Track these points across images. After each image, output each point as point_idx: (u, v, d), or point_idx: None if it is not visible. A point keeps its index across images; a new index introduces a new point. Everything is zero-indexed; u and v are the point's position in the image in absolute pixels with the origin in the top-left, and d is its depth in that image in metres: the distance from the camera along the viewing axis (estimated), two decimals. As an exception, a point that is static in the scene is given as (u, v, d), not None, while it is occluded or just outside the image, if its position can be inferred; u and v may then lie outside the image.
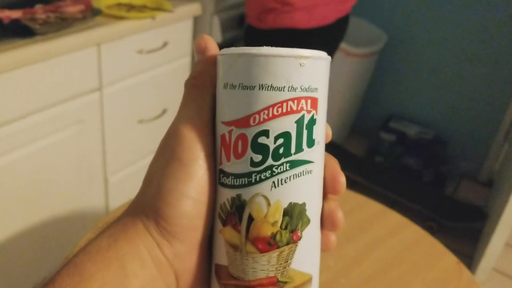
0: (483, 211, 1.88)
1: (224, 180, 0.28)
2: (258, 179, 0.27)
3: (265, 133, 0.27)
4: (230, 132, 0.28)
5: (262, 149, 0.27)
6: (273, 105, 0.27)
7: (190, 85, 0.30)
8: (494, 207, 1.73)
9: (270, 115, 0.27)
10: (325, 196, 0.30)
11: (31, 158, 1.14)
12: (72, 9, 1.16)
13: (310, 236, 0.28)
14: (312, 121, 0.28)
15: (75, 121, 1.21)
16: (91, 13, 1.20)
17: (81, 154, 1.26)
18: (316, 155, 0.28)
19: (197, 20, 1.48)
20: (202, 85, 0.30)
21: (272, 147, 0.27)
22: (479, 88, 1.97)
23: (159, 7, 1.34)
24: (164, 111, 1.46)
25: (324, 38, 1.34)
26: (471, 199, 1.99)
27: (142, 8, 1.33)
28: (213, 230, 0.30)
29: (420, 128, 2.08)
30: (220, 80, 0.29)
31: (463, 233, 1.81)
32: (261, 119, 0.27)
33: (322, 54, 0.28)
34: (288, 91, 0.27)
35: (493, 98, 1.96)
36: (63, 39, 1.10)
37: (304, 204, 0.28)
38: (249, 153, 0.27)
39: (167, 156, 0.28)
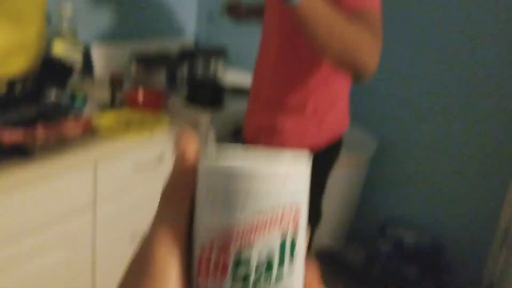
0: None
1: None
2: None
3: (248, 257, 0.25)
4: (208, 254, 0.25)
5: (243, 278, 0.25)
6: (256, 225, 0.25)
7: (165, 197, 0.28)
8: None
9: (253, 236, 0.25)
10: None
11: (20, 280, 1.10)
12: (72, 129, 1.19)
13: None
14: (296, 237, 0.26)
15: (67, 241, 1.18)
16: (91, 132, 1.23)
17: (71, 276, 1.22)
18: (297, 275, 0.26)
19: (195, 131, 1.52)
20: (178, 198, 0.27)
21: (253, 276, 0.25)
22: (473, 191, 1.99)
23: (157, 123, 1.38)
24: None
25: (317, 160, 1.35)
26: (474, 309, 1.91)
27: (140, 124, 1.37)
28: None
29: (417, 232, 2.06)
30: (201, 193, 0.27)
31: None
32: (244, 239, 0.25)
33: (304, 166, 0.27)
34: (273, 209, 0.25)
35: (487, 201, 1.97)
36: (60, 160, 1.11)
37: None
38: (228, 281, 0.25)
39: (136, 277, 0.26)
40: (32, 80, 1.34)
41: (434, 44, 1.94)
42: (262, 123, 1.28)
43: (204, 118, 1.52)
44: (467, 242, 2.03)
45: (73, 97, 1.32)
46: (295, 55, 1.18)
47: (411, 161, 2.10)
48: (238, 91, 1.83)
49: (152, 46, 1.95)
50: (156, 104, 1.51)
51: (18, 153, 1.09)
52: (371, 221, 2.20)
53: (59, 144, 1.14)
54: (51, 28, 1.49)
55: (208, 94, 1.67)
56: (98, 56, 1.77)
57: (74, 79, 1.41)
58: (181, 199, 0.27)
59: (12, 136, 1.11)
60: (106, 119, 1.33)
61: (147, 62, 1.76)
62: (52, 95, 1.29)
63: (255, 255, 0.25)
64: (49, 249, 1.14)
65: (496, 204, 1.95)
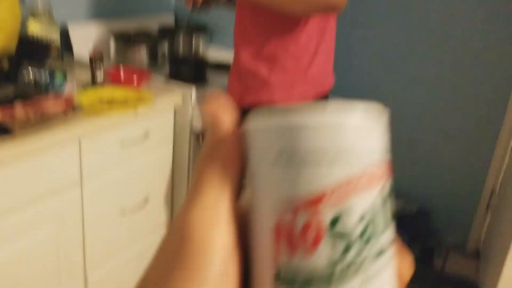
0: (473, 284, 1.84)
1: (286, 285, 0.21)
2: (341, 277, 0.20)
3: (347, 212, 0.21)
4: (292, 217, 0.21)
5: (344, 234, 0.21)
6: (353, 177, 0.21)
7: (203, 164, 0.23)
8: (486, 280, 1.70)
9: (351, 189, 0.21)
10: None
11: (9, 258, 1.08)
12: (53, 107, 1.17)
13: None
14: (391, 190, 0.23)
15: (55, 218, 1.17)
16: (72, 110, 1.20)
17: (60, 252, 1.21)
18: (392, 235, 0.23)
19: (178, 110, 1.51)
20: (220, 165, 0.23)
21: (357, 230, 0.21)
22: (458, 159, 2.01)
23: (140, 100, 1.36)
24: (145, 201, 1.43)
25: None
26: (460, 272, 1.95)
27: (124, 101, 1.35)
28: None
29: (404, 201, 2.09)
30: (266, 156, 0.22)
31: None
32: (339, 196, 0.21)
33: (383, 109, 0.23)
34: (367, 157, 0.22)
35: (473, 169, 2.00)
36: (42, 137, 1.09)
37: None
38: (326, 241, 0.21)
39: (167, 262, 0.21)
40: (9, 60, 1.31)
41: (425, 9, 1.94)
42: (247, 83, 1.30)
43: (188, 94, 1.51)
44: (453, 208, 2.07)
45: (52, 76, 1.29)
46: (268, 14, 1.24)
47: (399, 128, 2.12)
48: (221, 67, 1.81)
49: (132, 24, 1.92)
50: (138, 82, 1.49)
51: (-2, 132, 1.07)
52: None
53: (40, 122, 1.12)
54: (25, 8, 1.46)
55: (191, 71, 1.65)
56: (77, 36, 1.73)
57: (53, 58, 1.38)
58: (226, 165, 0.23)
59: (-9, 115, 1.08)
60: (88, 97, 1.31)
61: (127, 40, 1.73)
62: (30, 74, 1.27)
63: (358, 207, 0.21)
64: (38, 225, 1.13)
65: (482, 170, 1.98)
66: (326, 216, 0.21)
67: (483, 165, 1.97)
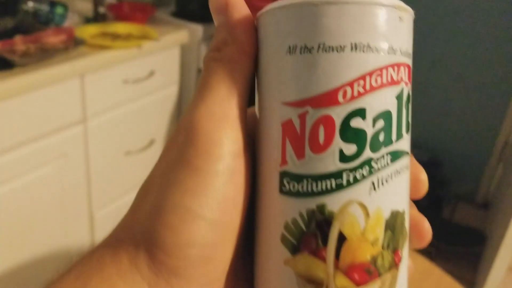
0: (482, 234, 1.83)
1: (293, 187, 0.20)
2: (352, 180, 0.19)
3: (361, 112, 0.19)
4: (303, 115, 0.19)
5: (357, 136, 0.19)
6: (370, 73, 0.19)
7: (212, 59, 0.21)
8: (494, 230, 1.69)
9: (368, 87, 0.19)
10: None
11: (12, 195, 1.08)
12: (54, 40, 1.12)
13: (406, 255, 0.21)
14: (409, 97, 0.21)
15: (59, 155, 1.15)
16: (74, 43, 1.16)
17: (65, 189, 1.20)
18: (409, 144, 0.22)
19: (184, 48, 1.45)
20: (231, 58, 0.21)
21: (370, 132, 0.19)
22: (472, 109, 1.96)
23: (145, 36, 1.30)
24: (151, 142, 1.41)
25: None
26: (468, 222, 1.95)
27: (127, 37, 1.29)
28: (255, 264, 0.21)
29: (415, 150, 2.05)
30: (280, 44, 0.20)
31: (462, 257, 1.76)
32: (356, 93, 0.19)
33: (412, 10, 0.21)
34: (388, 53, 0.20)
35: (486, 119, 1.94)
36: (44, 70, 1.05)
37: (404, 212, 0.21)
38: (337, 143, 0.19)
39: (173, 159, 0.20)
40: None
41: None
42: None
43: (195, 32, 1.45)
44: (465, 158, 2.03)
45: (52, 8, 1.24)
46: None
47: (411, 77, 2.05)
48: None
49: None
50: (142, 18, 1.43)
51: (-3, 64, 1.03)
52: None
53: (41, 55, 1.08)
54: None
55: (198, 7, 1.57)
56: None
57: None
58: (234, 59, 0.21)
59: (-11, 47, 1.04)
60: (90, 31, 1.25)
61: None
62: (29, 6, 1.21)
63: (373, 107, 0.19)
64: (42, 162, 1.11)
65: (496, 121, 1.92)
66: (340, 114, 0.19)
67: (497, 116, 1.92)
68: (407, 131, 0.21)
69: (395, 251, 0.20)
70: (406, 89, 0.21)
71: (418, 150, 2.05)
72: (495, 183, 2.00)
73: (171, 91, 1.44)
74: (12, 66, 1.03)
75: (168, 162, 0.20)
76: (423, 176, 0.24)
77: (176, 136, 0.20)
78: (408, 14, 0.21)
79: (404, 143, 0.21)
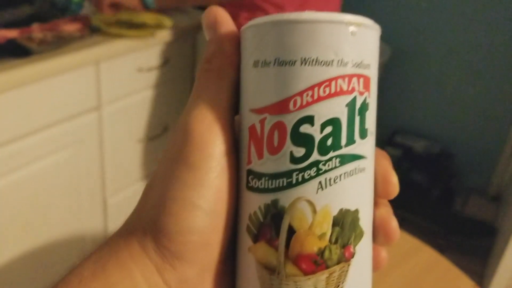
0: (492, 227, 1.83)
1: (254, 183, 0.22)
2: (300, 179, 0.21)
3: (309, 119, 0.21)
4: (262, 121, 0.22)
5: (305, 141, 0.21)
6: (319, 84, 0.21)
7: (204, 70, 0.24)
8: (504, 223, 1.68)
9: (316, 96, 0.21)
10: (374, 201, 0.25)
11: (28, 181, 1.10)
12: (70, 28, 1.14)
13: (364, 252, 0.23)
14: (365, 106, 0.23)
15: (73, 141, 1.17)
16: (90, 31, 1.17)
17: (80, 175, 1.22)
18: (369, 149, 0.23)
19: (198, 37, 1.46)
20: (219, 69, 0.24)
21: (318, 137, 0.21)
22: (485, 101, 1.94)
23: (160, 25, 1.31)
24: (165, 130, 1.42)
25: None
26: (480, 215, 1.94)
27: (142, 25, 1.30)
28: (235, 248, 0.24)
29: (427, 141, 2.04)
30: (248, 58, 0.23)
31: (472, 250, 1.76)
32: (304, 102, 0.21)
33: (373, 23, 0.23)
34: (337, 66, 0.21)
35: (499, 111, 1.92)
36: (60, 57, 1.07)
37: (357, 211, 0.22)
38: (289, 146, 0.22)
39: (172, 157, 0.23)
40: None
41: None
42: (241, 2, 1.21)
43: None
44: (477, 151, 2.02)
45: (69, -4, 1.25)
46: None
47: (424, 70, 2.03)
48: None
49: None
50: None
51: (15, 51, 1.04)
52: (381, 130, 2.17)
53: (58, 43, 1.09)
54: None
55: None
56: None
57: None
58: (222, 69, 0.24)
59: (7, 34, 1.06)
60: (105, 19, 1.27)
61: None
62: (46, -6, 1.22)
63: (321, 114, 0.22)
64: (56, 148, 1.14)
65: (509, 113, 1.90)
66: (291, 121, 0.21)
67: (511, 108, 1.89)
68: (362, 137, 0.23)
69: (344, 246, 0.22)
70: (361, 98, 0.22)
71: (431, 141, 2.04)
72: (507, 177, 1.98)
73: (185, 80, 1.45)
74: (30, 53, 1.05)
75: (169, 160, 0.23)
76: (394, 179, 0.25)
77: (174, 137, 0.24)
78: (363, 28, 0.22)
79: (358, 148, 0.22)
